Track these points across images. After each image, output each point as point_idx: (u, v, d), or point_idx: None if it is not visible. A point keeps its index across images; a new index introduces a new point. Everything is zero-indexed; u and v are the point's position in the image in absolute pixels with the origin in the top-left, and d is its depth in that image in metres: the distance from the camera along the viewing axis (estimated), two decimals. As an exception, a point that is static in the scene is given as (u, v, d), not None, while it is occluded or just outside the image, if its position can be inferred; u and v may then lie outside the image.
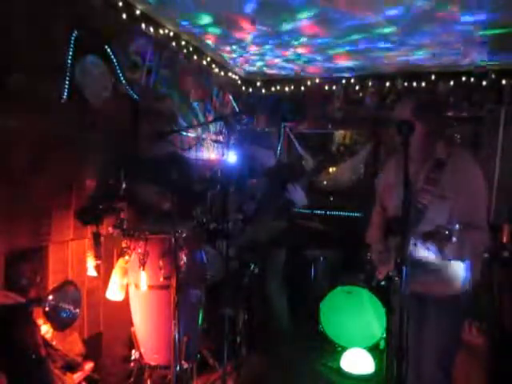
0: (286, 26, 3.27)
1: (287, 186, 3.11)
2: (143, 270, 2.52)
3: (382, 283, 2.16)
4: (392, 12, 2.90)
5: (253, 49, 3.89)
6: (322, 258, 4.10)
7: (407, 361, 1.55)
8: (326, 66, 4.35)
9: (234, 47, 3.85)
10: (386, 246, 2.07)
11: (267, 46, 3.79)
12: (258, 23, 3.23)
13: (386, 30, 3.26)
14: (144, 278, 2.54)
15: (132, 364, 2.72)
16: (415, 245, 1.87)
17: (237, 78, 4.86)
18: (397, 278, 1.95)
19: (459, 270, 1.99)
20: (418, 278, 1.84)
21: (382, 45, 3.62)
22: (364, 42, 3.55)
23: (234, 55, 4.12)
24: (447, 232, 1.63)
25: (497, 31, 3.22)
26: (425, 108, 1.97)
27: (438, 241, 1.72)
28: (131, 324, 2.72)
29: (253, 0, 2.83)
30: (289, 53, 3.96)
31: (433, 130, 1.96)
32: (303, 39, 3.56)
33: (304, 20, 3.12)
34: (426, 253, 1.92)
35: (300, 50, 3.86)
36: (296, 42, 3.64)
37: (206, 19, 3.18)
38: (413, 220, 1.86)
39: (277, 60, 4.24)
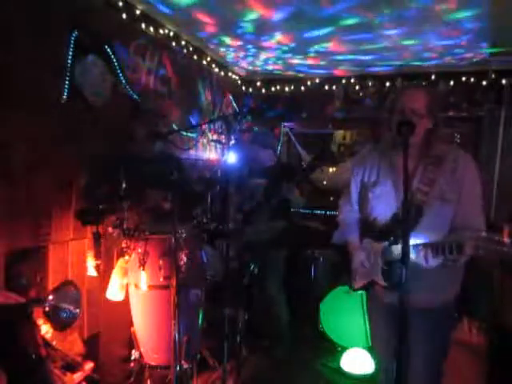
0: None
1: (282, 185, 3.13)
2: (143, 270, 2.52)
3: (360, 292, 2.06)
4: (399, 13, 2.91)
5: (265, 55, 3.92)
6: (321, 258, 4.09)
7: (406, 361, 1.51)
8: (327, 70, 4.39)
9: (249, 46, 3.82)
10: (367, 253, 1.95)
11: (282, 50, 3.80)
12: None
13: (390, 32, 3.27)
14: (144, 278, 2.54)
15: (132, 364, 2.73)
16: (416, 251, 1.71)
17: (237, 78, 4.86)
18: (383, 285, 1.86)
19: (448, 275, 1.83)
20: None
21: (386, 53, 3.66)
22: (372, 53, 3.61)
23: (233, 55, 4.13)
24: (456, 243, 1.52)
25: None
26: (437, 102, 1.87)
27: (442, 253, 1.60)
28: (131, 324, 2.72)
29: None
30: (295, 60, 3.97)
31: (438, 125, 1.84)
32: (317, 47, 3.59)
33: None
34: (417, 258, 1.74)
35: (307, 57, 3.89)
36: (312, 50, 3.67)
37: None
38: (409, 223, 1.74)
39: (279, 63, 4.26)
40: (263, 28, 3.27)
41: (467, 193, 1.80)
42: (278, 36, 3.43)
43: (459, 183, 1.80)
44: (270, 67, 4.43)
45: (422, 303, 1.78)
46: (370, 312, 2.16)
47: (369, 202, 1.98)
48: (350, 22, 3.08)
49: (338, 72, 4.53)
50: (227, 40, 3.66)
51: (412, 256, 1.72)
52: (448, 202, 1.78)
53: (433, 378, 1.91)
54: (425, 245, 1.72)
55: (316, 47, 3.66)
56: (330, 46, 3.58)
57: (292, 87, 4.93)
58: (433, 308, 1.83)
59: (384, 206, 1.89)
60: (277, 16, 3.01)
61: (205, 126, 4.16)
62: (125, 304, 2.73)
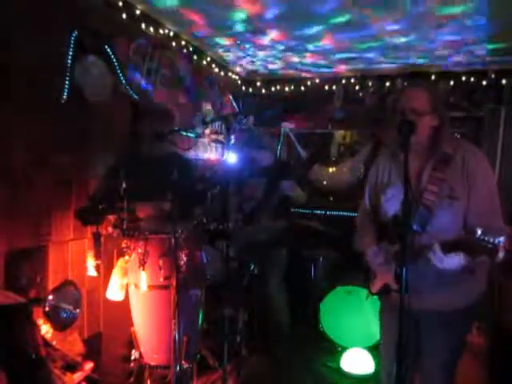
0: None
1: (281, 182, 3.13)
2: (143, 270, 2.52)
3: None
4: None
5: (262, 52, 3.90)
6: (321, 258, 4.09)
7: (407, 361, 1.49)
8: (327, 70, 4.39)
9: (247, 46, 3.82)
10: (385, 256, 1.88)
11: (278, 49, 3.79)
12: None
13: (400, 40, 3.29)
14: (144, 278, 2.54)
15: (132, 364, 2.72)
16: (432, 253, 1.60)
17: (237, 77, 4.86)
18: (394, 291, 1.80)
19: (465, 277, 1.73)
20: (424, 292, 1.70)
21: (391, 54, 3.64)
22: (374, 50, 3.58)
23: (233, 55, 4.12)
24: (490, 246, 1.39)
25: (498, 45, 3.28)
26: (440, 98, 1.85)
27: (472, 255, 1.50)
28: (131, 324, 2.72)
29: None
30: (294, 58, 3.96)
31: (444, 123, 1.79)
32: (316, 45, 3.58)
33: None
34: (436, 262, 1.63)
35: (307, 54, 3.87)
36: (310, 46, 3.65)
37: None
38: (417, 224, 1.74)
39: (278, 63, 4.26)
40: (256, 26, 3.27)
41: (479, 189, 1.74)
42: (272, 34, 3.42)
43: (469, 179, 1.74)
44: (270, 66, 4.42)
45: (433, 305, 1.77)
46: (383, 316, 2.12)
47: (382, 204, 1.97)
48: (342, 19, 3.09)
49: (338, 72, 4.51)
50: (221, 40, 3.67)
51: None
52: (456, 199, 1.74)
53: (446, 379, 1.90)
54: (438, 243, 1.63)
55: (311, 45, 3.66)
56: (324, 43, 3.56)
57: (292, 87, 4.93)
58: (446, 310, 1.78)
59: (396, 207, 1.85)
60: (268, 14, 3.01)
61: (205, 126, 4.16)
62: (125, 304, 2.73)
